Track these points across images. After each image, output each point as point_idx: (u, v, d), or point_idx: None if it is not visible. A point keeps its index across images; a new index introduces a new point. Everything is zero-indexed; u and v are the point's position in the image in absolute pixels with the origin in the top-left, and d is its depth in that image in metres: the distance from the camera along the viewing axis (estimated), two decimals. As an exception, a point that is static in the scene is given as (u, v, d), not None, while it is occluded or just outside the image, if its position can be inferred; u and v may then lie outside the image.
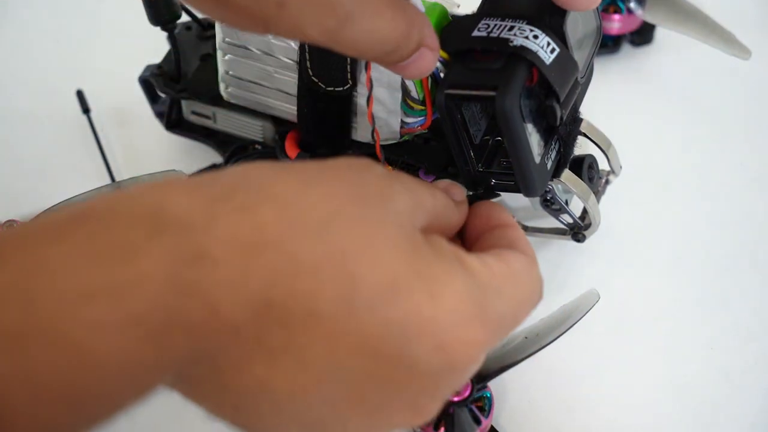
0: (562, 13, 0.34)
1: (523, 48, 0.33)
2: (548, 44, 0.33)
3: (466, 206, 0.34)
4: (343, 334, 0.25)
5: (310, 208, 0.26)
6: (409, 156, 0.43)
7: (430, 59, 0.31)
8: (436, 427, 0.40)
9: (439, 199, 0.32)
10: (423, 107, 0.39)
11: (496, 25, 0.34)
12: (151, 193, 0.24)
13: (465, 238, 0.34)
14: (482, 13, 0.35)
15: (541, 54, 0.33)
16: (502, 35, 0.33)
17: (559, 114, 0.34)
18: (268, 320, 0.24)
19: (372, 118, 0.37)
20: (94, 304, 0.22)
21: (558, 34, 0.34)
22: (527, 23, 0.34)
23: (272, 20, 0.28)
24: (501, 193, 0.41)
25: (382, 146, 0.41)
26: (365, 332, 0.26)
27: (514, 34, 0.33)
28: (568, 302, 0.41)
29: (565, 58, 0.34)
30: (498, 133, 0.37)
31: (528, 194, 0.36)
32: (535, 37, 0.33)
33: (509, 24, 0.34)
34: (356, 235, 0.26)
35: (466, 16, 0.36)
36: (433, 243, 0.29)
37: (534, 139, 0.34)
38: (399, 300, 0.26)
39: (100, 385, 0.22)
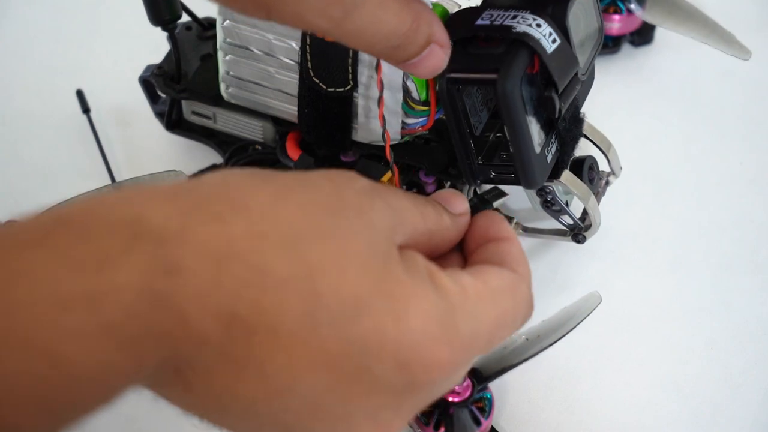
0: (564, 6, 0.34)
1: (525, 34, 0.33)
2: (550, 34, 0.33)
3: (467, 218, 0.33)
4: (303, 350, 0.25)
5: (281, 220, 0.26)
6: (409, 157, 0.43)
7: (441, 57, 0.31)
8: (436, 427, 0.40)
9: (430, 219, 0.31)
10: (424, 108, 0.39)
11: (499, 14, 0.34)
12: (129, 202, 0.25)
13: (464, 248, 0.33)
14: (486, 3, 0.36)
15: (543, 42, 0.33)
16: (506, 23, 0.34)
17: (557, 105, 0.34)
18: (234, 332, 0.25)
19: (383, 119, 0.37)
20: (70, 312, 0.22)
21: (560, 26, 0.34)
22: (530, 13, 0.34)
23: (275, 6, 0.27)
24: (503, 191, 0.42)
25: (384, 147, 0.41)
26: (326, 348, 0.26)
27: (517, 22, 0.33)
28: (570, 304, 0.41)
29: (566, 50, 0.34)
30: (499, 128, 0.37)
31: (528, 185, 0.36)
32: (538, 25, 0.33)
33: (513, 13, 0.34)
34: (325, 250, 0.26)
35: (470, 8, 0.36)
36: (407, 260, 0.28)
37: (534, 128, 0.35)
38: (362, 319, 0.26)
39: (73, 391, 0.22)
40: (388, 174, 0.40)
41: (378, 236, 0.28)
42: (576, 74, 0.36)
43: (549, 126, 0.36)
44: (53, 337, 0.21)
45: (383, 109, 0.37)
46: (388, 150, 0.38)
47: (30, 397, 0.21)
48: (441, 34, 0.31)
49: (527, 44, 0.33)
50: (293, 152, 0.44)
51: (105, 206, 0.24)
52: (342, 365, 0.26)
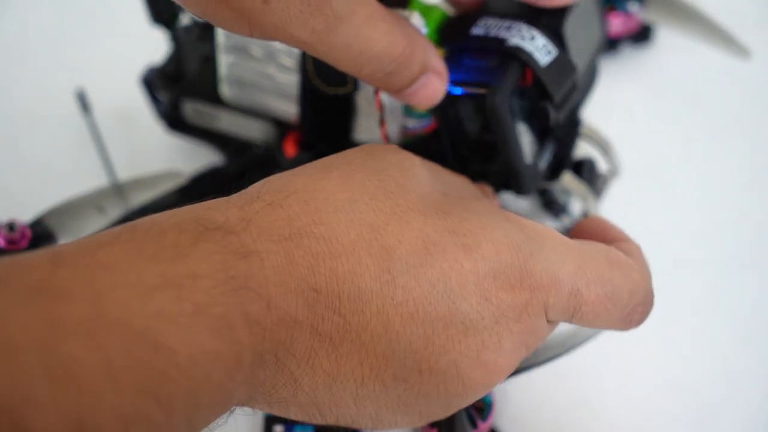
0: (560, 17, 0.34)
1: (517, 48, 0.33)
2: (544, 46, 0.33)
3: (497, 200, 0.35)
4: (392, 306, 0.26)
5: (331, 192, 0.27)
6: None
7: (438, 87, 0.31)
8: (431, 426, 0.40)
9: (465, 182, 0.33)
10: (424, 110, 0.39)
11: (495, 23, 0.34)
12: (188, 209, 0.26)
13: None
14: (482, 11, 0.35)
15: (536, 55, 0.33)
16: (500, 34, 0.33)
17: (552, 116, 0.34)
18: (320, 307, 0.25)
19: (387, 139, 0.37)
20: (156, 297, 0.22)
21: (556, 35, 0.34)
22: (525, 23, 0.34)
23: (255, 18, 0.27)
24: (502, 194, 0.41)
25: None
26: (413, 298, 0.26)
27: (512, 34, 0.33)
28: None
29: (562, 61, 0.34)
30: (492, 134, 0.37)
31: (519, 192, 0.36)
32: (532, 38, 0.33)
33: (507, 23, 0.34)
34: (380, 207, 0.27)
35: (466, 16, 0.36)
36: (467, 201, 0.29)
37: (526, 138, 0.34)
38: (435, 259, 0.26)
39: (175, 376, 0.22)
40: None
41: (426, 187, 0.29)
42: (574, 82, 0.35)
43: (543, 134, 0.36)
44: (146, 320, 0.21)
45: (371, 110, 0.37)
46: None
47: (136, 381, 0.21)
48: (437, 62, 0.31)
49: (519, 58, 0.33)
50: (292, 152, 0.44)
51: (164, 215, 0.25)
52: (431, 311, 0.26)
